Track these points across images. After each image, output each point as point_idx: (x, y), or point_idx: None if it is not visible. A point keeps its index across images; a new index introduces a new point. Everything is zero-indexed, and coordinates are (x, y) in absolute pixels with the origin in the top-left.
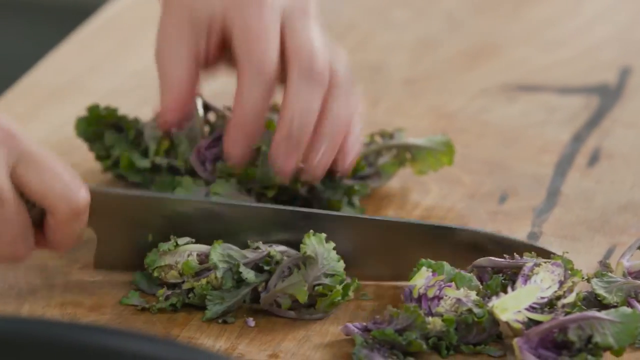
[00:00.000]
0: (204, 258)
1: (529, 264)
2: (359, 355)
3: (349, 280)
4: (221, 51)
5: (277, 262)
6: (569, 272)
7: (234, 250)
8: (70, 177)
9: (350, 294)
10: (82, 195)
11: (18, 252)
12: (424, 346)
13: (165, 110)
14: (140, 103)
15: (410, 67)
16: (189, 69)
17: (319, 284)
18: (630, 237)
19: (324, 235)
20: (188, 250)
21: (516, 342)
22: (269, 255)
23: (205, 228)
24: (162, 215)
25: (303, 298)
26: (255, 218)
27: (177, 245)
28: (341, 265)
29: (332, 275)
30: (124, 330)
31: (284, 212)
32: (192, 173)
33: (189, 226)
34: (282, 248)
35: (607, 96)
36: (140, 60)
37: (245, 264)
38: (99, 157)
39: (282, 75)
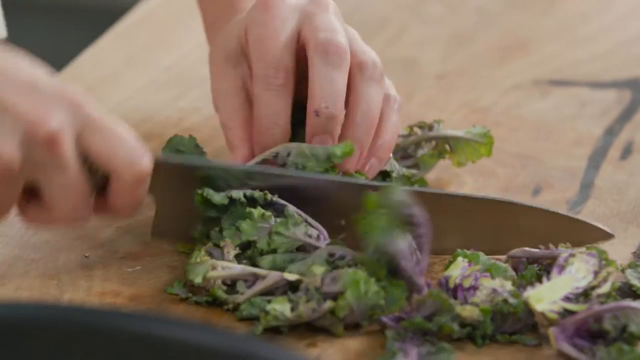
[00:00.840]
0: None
1: (564, 255)
2: (392, 349)
3: None
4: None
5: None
6: (604, 262)
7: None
8: (135, 143)
9: None
10: (146, 162)
11: (78, 217)
12: (456, 328)
13: (233, 149)
14: (175, 98)
15: (443, 61)
16: (243, 101)
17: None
18: None
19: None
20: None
21: (552, 331)
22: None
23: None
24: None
25: (341, 332)
26: (323, 190)
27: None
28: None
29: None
30: (165, 316)
31: (354, 186)
32: (269, 205)
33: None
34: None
35: (639, 90)
36: (173, 55)
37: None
38: None
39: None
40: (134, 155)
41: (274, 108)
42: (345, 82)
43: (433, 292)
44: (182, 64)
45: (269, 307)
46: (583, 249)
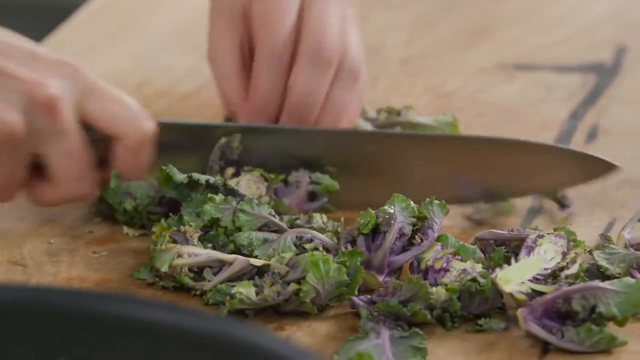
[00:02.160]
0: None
1: (532, 236)
2: (364, 328)
3: None
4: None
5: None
6: (572, 243)
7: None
8: (136, 106)
9: None
10: (149, 123)
11: (81, 189)
12: (429, 317)
13: (227, 101)
14: (140, 85)
15: (407, 46)
16: (239, 60)
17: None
18: (629, 211)
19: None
20: (202, 254)
21: (520, 312)
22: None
23: (270, 158)
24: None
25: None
26: (314, 143)
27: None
28: None
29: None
30: (135, 297)
31: (351, 134)
32: (231, 193)
33: (252, 154)
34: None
35: (604, 74)
36: (138, 42)
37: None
38: None
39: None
40: (136, 116)
41: (273, 87)
42: (326, 86)
43: (412, 278)
44: (146, 51)
45: (234, 290)
46: (551, 230)
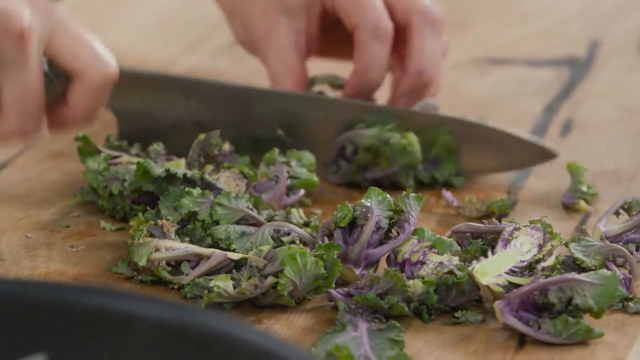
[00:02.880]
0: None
1: (509, 229)
2: (342, 320)
3: None
4: (322, 32)
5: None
6: (548, 235)
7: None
8: (102, 48)
9: None
10: (113, 65)
11: (28, 126)
12: (406, 309)
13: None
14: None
15: None
16: (300, 53)
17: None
18: (604, 203)
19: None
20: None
21: (497, 305)
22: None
23: (228, 113)
24: (185, 96)
25: (291, 302)
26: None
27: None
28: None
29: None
30: (114, 289)
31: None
32: (208, 186)
33: (212, 110)
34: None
35: (577, 68)
36: (113, 35)
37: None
38: None
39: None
40: (101, 57)
41: (381, 60)
42: (387, 54)
43: (389, 271)
44: (121, 44)
45: (212, 284)
46: (527, 223)
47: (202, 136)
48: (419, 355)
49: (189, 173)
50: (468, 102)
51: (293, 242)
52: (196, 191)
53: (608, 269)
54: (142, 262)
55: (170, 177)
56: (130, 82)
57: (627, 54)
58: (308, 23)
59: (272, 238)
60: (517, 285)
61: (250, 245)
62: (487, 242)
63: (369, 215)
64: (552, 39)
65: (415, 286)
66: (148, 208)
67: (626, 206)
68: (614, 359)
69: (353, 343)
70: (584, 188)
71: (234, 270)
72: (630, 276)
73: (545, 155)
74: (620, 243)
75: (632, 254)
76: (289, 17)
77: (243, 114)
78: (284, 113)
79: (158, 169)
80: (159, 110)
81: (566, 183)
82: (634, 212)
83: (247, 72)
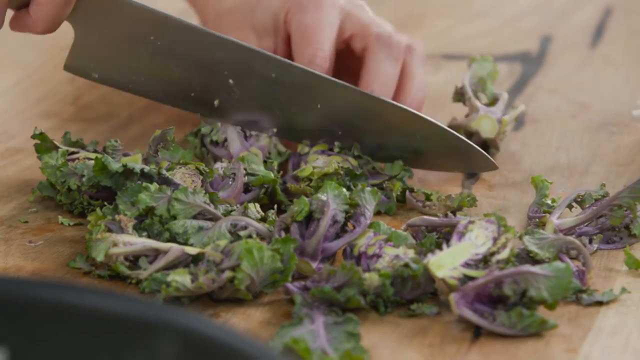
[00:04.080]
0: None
1: (463, 222)
2: (299, 313)
3: None
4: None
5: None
6: (502, 228)
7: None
8: None
9: None
10: None
11: None
12: (362, 302)
13: None
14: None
15: None
16: None
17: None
18: (557, 197)
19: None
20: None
21: (452, 297)
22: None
23: (185, 52)
24: (144, 25)
25: (248, 296)
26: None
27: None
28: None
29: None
30: (74, 284)
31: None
32: (165, 182)
33: (171, 45)
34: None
35: (530, 63)
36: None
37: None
38: None
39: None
40: None
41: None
42: (398, 72)
43: (345, 265)
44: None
45: (169, 278)
46: (481, 216)
47: (158, 132)
48: (375, 347)
49: (147, 168)
50: None
51: (250, 236)
52: (153, 186)
53: (562, 261)
54: (100, 258)
55: (127, 173)
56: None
57: (579, 49)
58: (275, 45)
59: (230, 232)
60: (472, 278)
61: (208, 239)
62: (442, 236)
63: (325, 209)
64: (504, 34)
65: (372, 279)
66: (106, 203)
67: (579, 199)
68: (568, 350)
69: (310, 336)
70: (549, 201)
71: (191, 265)
72: (584, 268)
73: (489, 165)
74: (574, 236)
75: (585, 246)
76: (259, 36)
77: (199, 56)
78: (238, 64)
79: (115, 164)
80: (119, 35)
81: (520, 176)
82: (587, 205)
83: None
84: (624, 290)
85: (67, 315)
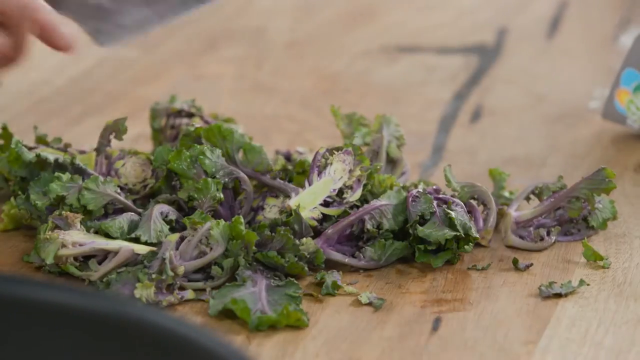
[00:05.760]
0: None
1: (322, 151)
2: (242, 275)
3: None
4: None
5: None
6: (357, 158)
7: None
8: None
9: None
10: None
11: None
12: (306, 269)
13: None
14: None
15: (292, 30)
16: None
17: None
18: (514, 189)
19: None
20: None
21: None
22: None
23: None
24: None
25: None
26: None
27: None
28: None
29: None
30: (33, 279)
31: None
32: (78, 171)
33: None
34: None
35: (486, 55)
36: None
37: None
38: None
39: None
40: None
41: None
42: None
43: (280, 230)
44: None
45: (136, 294)
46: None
47: (110, 122)
48: (334, 340)
49: (60, 158)
50: (378, 89)
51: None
52: (65, 176)
53: (471, 206)
54: (50, 260)
55: (41, 163)
56: None
57: (535, 40)
58: None
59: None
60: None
61: (158, 235)
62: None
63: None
64: (460, 26)
65: (307, 244)
66: (20, 193)
67: (537, 191)
68: (527, 342)
69: (251, 297)
70: (506, 194)
71: (144, 261)
72: (488, 211)
73: None
74: (532, 228)
75: (542, 238)
76: None
77: None
78: None
79: (29, 155)
80: None
81: (477, 169)
82: (545, 198)
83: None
84: (582, 282)
85: (38, 311)
